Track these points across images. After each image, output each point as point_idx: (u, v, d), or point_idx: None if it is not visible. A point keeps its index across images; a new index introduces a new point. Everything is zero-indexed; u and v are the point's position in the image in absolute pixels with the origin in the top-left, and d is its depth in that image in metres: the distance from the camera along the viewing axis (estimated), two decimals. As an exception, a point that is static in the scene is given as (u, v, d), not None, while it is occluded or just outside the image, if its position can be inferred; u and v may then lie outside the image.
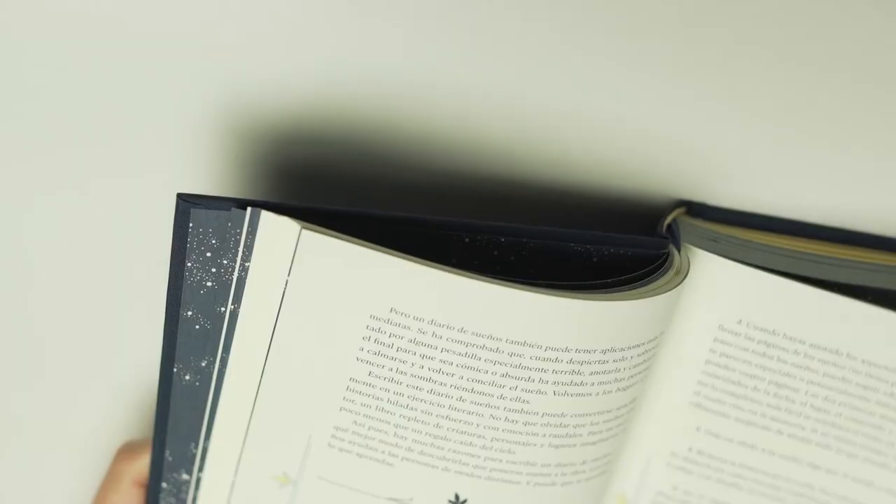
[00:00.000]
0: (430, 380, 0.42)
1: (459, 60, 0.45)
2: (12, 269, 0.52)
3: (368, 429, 0.44)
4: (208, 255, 0.40)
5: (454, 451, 0.44)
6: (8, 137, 0.48)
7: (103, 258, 0.51)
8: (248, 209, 0.39)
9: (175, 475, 0.46)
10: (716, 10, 0.44)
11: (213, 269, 0.40)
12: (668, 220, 0.46)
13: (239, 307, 0.41)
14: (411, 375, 0.42)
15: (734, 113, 0.46)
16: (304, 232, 0.38)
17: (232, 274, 0.40)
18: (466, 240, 0.42)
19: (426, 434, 0.44)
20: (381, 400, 0.43)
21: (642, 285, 0.43)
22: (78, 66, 0.46)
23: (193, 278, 0.40)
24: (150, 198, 0.49)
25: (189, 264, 0.40)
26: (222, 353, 0.42)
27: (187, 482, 0.47)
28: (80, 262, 0.51)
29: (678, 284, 0.43)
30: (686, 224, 0.46)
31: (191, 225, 0.39)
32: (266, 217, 0.38)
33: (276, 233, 0.39)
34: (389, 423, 0.43)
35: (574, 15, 0.44)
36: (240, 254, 0.40)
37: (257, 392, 0.43)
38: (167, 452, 0.46)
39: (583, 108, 0.46)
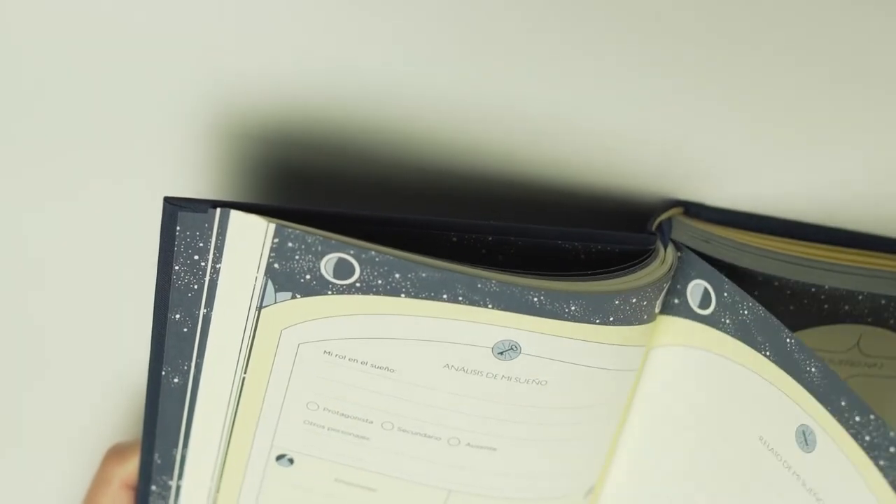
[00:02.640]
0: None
1: (452, 60, 0.45)
2: (6, 270, 0.52)
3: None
4: (196, 257, 0.40)
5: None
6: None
7: (96, 259, 0.51)
8: (218, 209, 0.39)
9: (164, 478, 0.46)
10: (714, 11, 0.44)
11: (200, 272, 0.40)
12: (662, 218, 0.46)
13: (211, 311, 0.41)
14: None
15: (733, 113, 0.46)
16: (276, 227, 0.38)
17: (205, 276, 0.40)
18: (454, 239, 0.42)
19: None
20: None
21: (625, 274, 0.43)
22: (68, 68, 0.46)
23: (181, 281, 0.40)
24: (142, 199, 0.48)
25: (177, 267, 0.40)
26: (196, 358, 0.42)
27: (173, 488, 0.47)
28: (72, 263, 0.51)
29: (663, 275, 0.43)
30: (680, 224, 0.46)
31: (178, 228, 0.39)
32: (235, 216, 0.38)
33: (245, 231, 0.39)
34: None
35: (570, 15, 0.44)
36: (211, 255, 0.40)
37: (230, 398, 0.43)
38: (156, 455, 0.45)
39: (580, 108, 0.46)
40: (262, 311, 0.41)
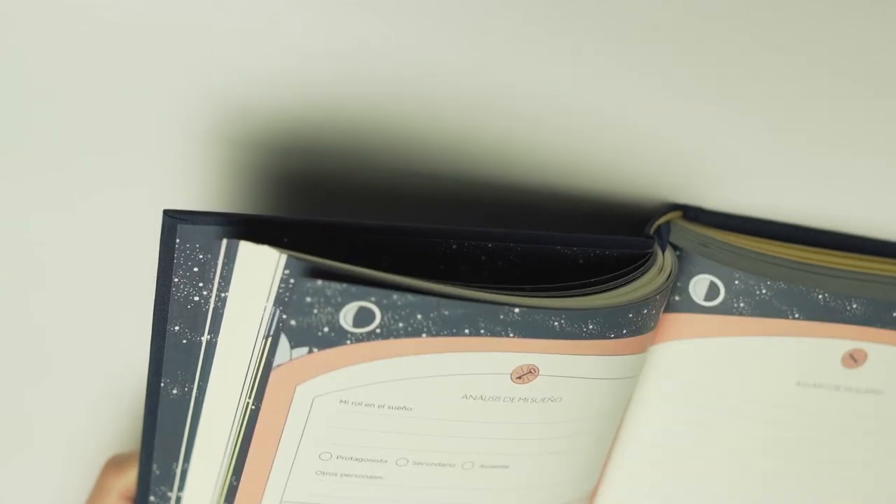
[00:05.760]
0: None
1: (454, 64, 0.45)
2: (8, 273, 0.51)
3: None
4: (195, 269, 0.39)
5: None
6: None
7: (97, 265, 0.51)
8: (224, 241, 0.38)
9: (163, 489, 0.46)
10: (716, 12, 0.44)
11: (201, 284, 0.40)
12: (660, 222, 0.46)
13: (216, 337, 0.40)
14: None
15: (734, 117, 0.46)
16: (287, 259, 0.37)
17: (209, 302, 0.40)
18: (454, 246, 0.42)
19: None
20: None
21: (622, 284, 0.43)
22: (68, 74, 0.46)
23: (181, 293, 0.40)
24: (143, 206, 0.48)
25: (176, 279, 0.39)
26: (199, 381, 0.42)
27: (172, 499, 0.46)
28: (74, 269, 0.51)
29: (666, 280, 0.43)
30: (679, 228, 0.46)
31: (177, 241, 0.39)
32: (244, 247, 0.37)
33: (255, 261, 0.37)
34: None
35: (572, 17, 0.44)
36: (216, 284, 0.39)
37: (233, 422, 0.43)
38: (154, 466, 0.45)
39: (579, 110, 0.46)
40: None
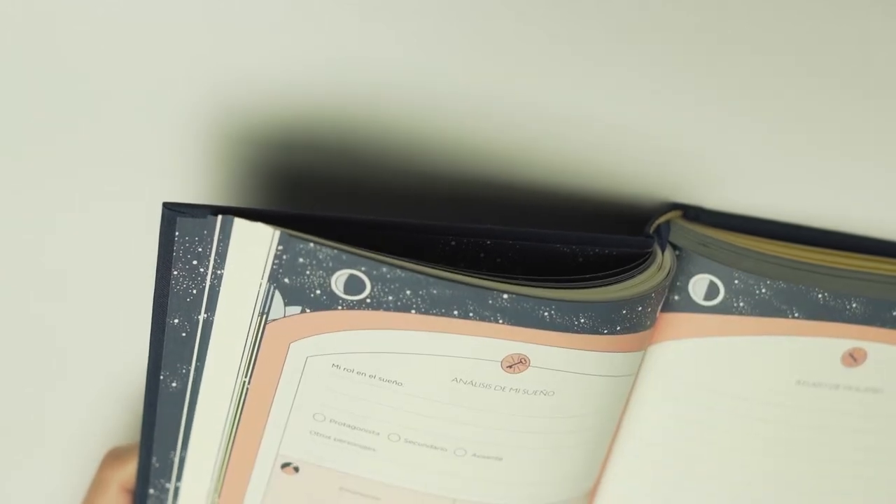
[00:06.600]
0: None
1: (453, 62, 0.45)
2: (7, 274, 0.52)
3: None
4: (194, 262, 0.40)
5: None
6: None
7: (95, 265, 0.51)
8: (220, 216, 0.39)
9: (162, 481, 0.46)
10: (719, 13, 0.44)
11: (199, 277, 0.40)
12: (660, 221, 0.46)
13: (212, 315, 0.41)
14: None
15: (735, 117, 0.46)
16: (281, 234, 0.38)
17: (205, 281, 0.40)
18: (453, 243, 0.42)
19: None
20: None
21: (617, 281, 0.43)
22: (67, 74, 0.46)
23: (180, 286, 0.40)
24: (142, 203, 0.48)
25: (175, 272, 0.40)
26: (196, 362, 0.42)
27: (171, 490, 0.47)
28: (71, 269, 0.51)
29: (664, 279, 0.43)
30: (679, 227, 0.46)
31: (177, 233, 0.39)
32: (239, 224, 0.38)
33: (250, 239, 0.39)
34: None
35: (571, 17, 0.44)
36: (212, 261, 0.40)
37: (230, 402, 0.43)
38: (154, 459, 0.46)
39: (578, 109, 0.46)
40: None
